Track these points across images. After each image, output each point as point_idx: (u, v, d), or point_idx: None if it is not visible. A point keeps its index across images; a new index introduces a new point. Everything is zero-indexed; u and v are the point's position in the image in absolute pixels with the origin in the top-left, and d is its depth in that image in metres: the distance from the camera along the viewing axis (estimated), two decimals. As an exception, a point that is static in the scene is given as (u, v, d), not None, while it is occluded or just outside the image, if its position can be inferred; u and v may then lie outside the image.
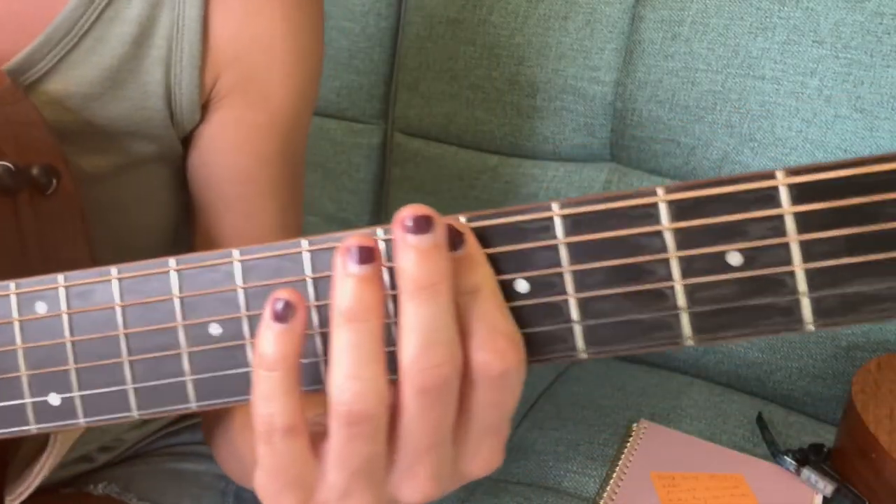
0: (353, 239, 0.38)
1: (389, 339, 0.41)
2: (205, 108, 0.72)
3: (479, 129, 1.25)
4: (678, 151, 1.12)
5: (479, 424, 0.41)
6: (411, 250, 0.37)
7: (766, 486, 0.92)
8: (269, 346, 0.39)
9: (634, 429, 1.01)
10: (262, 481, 0.43)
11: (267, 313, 0.39)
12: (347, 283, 0.38)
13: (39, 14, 0.66)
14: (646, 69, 1.13)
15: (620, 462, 0.96)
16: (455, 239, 0.38)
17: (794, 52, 1.05)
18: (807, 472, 0.92)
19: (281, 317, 0.39)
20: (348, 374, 0.38)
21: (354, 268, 0.38)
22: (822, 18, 1.03)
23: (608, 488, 0.92)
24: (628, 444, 0.99)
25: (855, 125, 1.02)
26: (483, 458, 0.43)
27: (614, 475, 0.94)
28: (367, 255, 0.38)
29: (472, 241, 0.39)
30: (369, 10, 1.31)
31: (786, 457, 0.94)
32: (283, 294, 0.39)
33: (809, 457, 0.94)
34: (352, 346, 0.38)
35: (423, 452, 0.41)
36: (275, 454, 0.41)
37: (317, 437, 0.42)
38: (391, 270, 0.40)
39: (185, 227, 0.81)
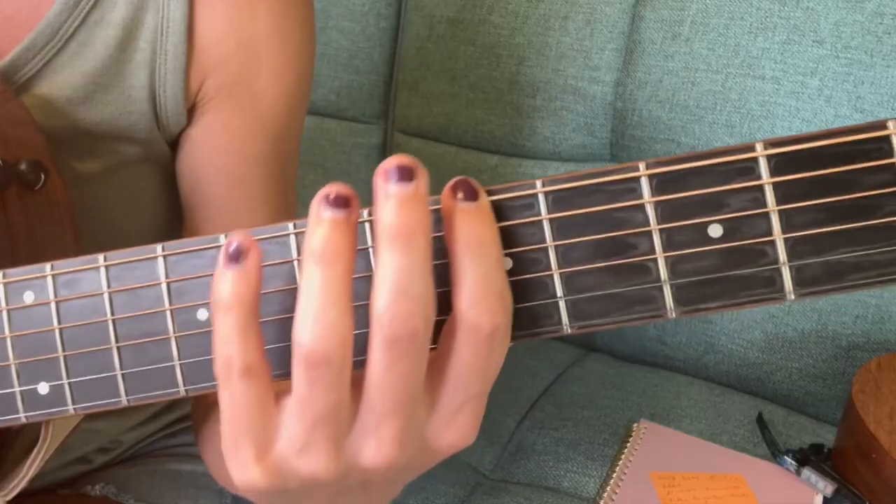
0: (332, 186, 0.38)
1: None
2: (192, 111, 0.71)
3: (479, 129, 1.25)
4: (678, 151, 1.12)
5: (459, 389, 0.40)
6: (391, 199, 0.37)
7: (766, 486, 0.92)
8: (224, 288, 0.39)
9: (634, 429, 1.01)
10: (223, 432, 0.42)
11: (220, 258, 0.39)
12: (320, 226, 0.38)
13: (25, 18, 0.66)
14: (646, 69, 1.13)
15: (620, 462, 0.96)
16: (471, 191, 0.38)
17: (794, 52, 1.04)
18: (807, 472, 0.92)
19: (233, 258, 0.39)
20: (309, 315, 0.38)
21: (328, 212, 0.38)
22: (822, 18, 1.03)
23: (608, 488, 0.92)
24: (628, 444, 0.98)
25: (855, 125, 1.02)
26: (458, 428, 0.42)
27: (614, 475, 0.94)
28: (343, 201, 0.38)
29: (486, 198, 0.39)
30: (369, 10, 1.32)
31: (786, 457, 0.94)
32: (234, 237, 0.39)
33: (809, 457, 0.94)
34: (316, 285, 0.38)
35: (390, 412, 0.39)
36: (233, 398, 0.40)
37: (283, 394, 0.41)
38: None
39: (177, 231, 0.80)
